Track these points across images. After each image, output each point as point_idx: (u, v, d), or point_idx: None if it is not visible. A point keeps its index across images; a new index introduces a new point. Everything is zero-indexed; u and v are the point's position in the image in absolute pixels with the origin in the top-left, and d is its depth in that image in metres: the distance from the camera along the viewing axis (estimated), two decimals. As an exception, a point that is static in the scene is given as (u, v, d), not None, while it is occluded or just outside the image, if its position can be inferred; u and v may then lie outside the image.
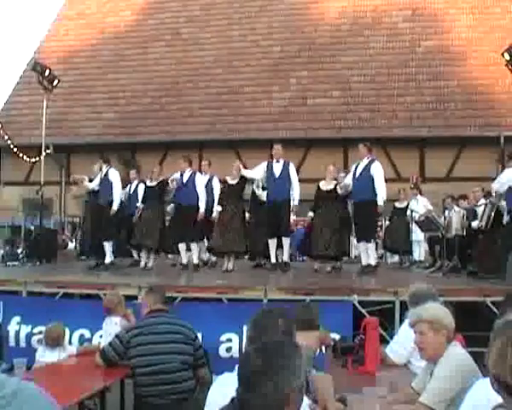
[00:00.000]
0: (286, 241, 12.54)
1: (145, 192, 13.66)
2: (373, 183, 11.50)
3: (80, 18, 28.05)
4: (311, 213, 12.86)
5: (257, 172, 12.78)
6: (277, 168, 12.30)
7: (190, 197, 12.64)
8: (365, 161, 11.81)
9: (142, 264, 13.44)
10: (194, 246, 13.02)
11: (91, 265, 13.51)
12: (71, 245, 19.06)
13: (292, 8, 25.86)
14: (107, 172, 13.32)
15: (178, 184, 12.84)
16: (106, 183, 13.24)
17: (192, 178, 12.83)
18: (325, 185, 12.74)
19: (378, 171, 11.65)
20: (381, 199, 11.41)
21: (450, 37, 23.31)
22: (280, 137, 20.95)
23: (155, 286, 7.14)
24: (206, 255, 14.17)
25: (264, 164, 12.51)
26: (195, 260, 12.99)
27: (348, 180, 12.16)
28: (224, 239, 12.55)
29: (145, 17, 27.16)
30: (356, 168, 11.91)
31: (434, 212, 14.60)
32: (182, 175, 12.96)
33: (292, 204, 12.24)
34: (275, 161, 12.39)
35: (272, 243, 12.55)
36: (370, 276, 11.61)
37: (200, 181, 12.87)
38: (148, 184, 13.68)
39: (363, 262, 11.95)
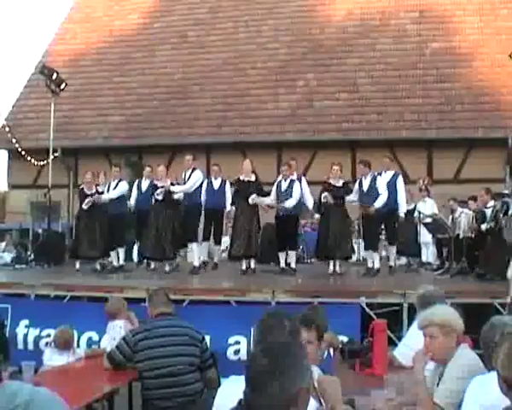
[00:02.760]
0: (292, 253, 13.18)
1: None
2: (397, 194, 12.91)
3: (87, 21, 28.06)
4: (317, 216, 13.18)
5: (272, 196, 13.27)
6: (284, 185, 13.00)
7: (221, 203, 13.36)
8: (390, 174, 13.17)
9: (167, 268, 13.65)
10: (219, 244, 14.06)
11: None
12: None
13: (298, 11, 25.80)
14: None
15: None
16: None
17: (223, 186, 13.52)
18: (335, 182, 12.96)
19: (402, 185, 13.14)
20: (402, 211, 13.09)
21: (458, 38, 23.25)
22: (287, 140, 21.02)
23: (158, 289, 7.13)
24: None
25: (275, 185, 13.29)
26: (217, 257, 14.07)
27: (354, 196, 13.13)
28: (241, 243, 12.97)
29: (152, 20, 27.16)
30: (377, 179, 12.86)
31: (441, 214, 14.57)
32: (210, 180, 13.66)
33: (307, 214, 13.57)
34: (282, 179, 13.13)
35: (281, 255, 13.08)
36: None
37: (229, 188, 13.50)
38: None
39: (392, 262, 13.42)
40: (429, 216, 14.35)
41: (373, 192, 12.54)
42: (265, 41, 24.94)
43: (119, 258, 14.05)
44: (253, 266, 13.15)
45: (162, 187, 13.21)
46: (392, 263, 13.37)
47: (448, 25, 23.75)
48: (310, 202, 13.23)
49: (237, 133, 21.75)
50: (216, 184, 13.58)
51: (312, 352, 4.21)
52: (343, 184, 12.98)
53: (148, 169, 14.50)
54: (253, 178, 13.22)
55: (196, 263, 13.38)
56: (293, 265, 13.01)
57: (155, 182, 13.65)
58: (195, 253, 13.55)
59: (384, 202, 12.45)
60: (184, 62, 24.71)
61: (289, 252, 13.05)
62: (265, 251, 14.45)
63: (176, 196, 13.42)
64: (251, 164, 13.43)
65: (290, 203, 12.72)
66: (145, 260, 14.42)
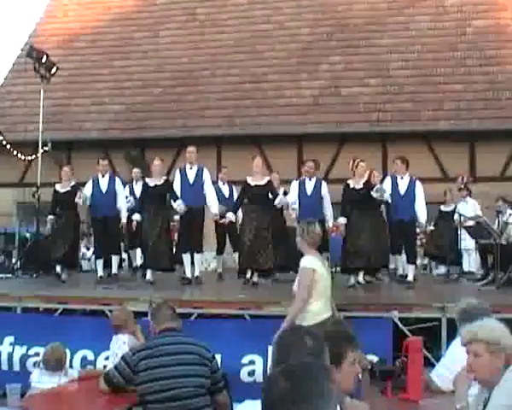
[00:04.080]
0: None
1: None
2: None
3: (82, -3, 28.22)
4: (342, 220, 12.75)
5: (291, 196, 13.21)
6: (309, 187, 13.07)
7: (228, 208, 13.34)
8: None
9: (149, 277, 13.55)
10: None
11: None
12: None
13: (322, -15, 25.83)
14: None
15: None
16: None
17: (233, 193, 14.00)
18: (356, 184, 12.72)
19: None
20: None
21: (504, 15, 23.14)
22: (309, 132, 20.98)
23: (163, 302, 7.11)
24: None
25: (296, 184, 13.27)
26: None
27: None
28: (253, 255, 12.75)
29: (155, -5, 27.27)
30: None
31: (485, 216, 14.48)
32: (219, 187, 14.06)
33: (326, 225, 12.85)
34: (307, 179, 13.15)
35: None
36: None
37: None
38: None
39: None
40: (471, 219, 14.27)
41: (410, 198, 12.41)
42: (285, 19, 24.95)
43: (110, 266, 14.07)
44: (255, 279, 12.85)
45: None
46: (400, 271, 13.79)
47: (493, -1, 23.69)
48: (329, 210, 13.10)
49: (252, 124, 21.73)
50: (225, 190, 13.69)
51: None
52: (363, 184, 12.63)
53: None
54: (263, 181, 12.93)
55: (197, 273, 13.28)
56: None
57: (147, 180, 13.60)
58: (196, 262, 13.25)
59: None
60: (193, 44, 24.76)
61: None
62: (285, 258, 14.37)
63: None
64: (261, 162, 13.28)
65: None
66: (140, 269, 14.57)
